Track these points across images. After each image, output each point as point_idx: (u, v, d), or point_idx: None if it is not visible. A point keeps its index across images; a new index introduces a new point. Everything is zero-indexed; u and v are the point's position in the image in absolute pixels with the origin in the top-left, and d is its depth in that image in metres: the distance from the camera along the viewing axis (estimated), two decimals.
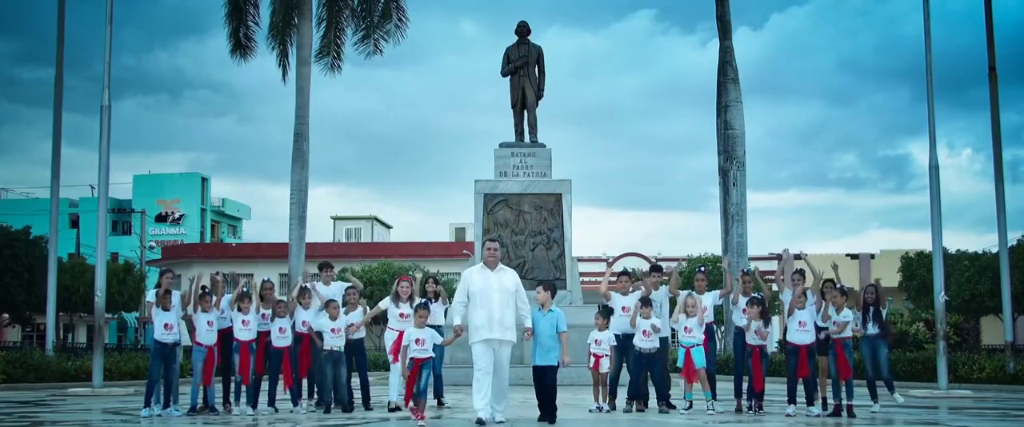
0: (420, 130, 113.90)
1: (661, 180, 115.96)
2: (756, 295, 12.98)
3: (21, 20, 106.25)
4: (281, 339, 12.87)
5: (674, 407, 13.11)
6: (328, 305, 12.91)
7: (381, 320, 13.67)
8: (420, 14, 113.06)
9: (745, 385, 13.06)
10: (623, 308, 13.09)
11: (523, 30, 24.24)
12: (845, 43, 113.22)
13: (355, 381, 13.39)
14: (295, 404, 13.11)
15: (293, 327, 13.01)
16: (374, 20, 31.35)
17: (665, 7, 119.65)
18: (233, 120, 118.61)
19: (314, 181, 34.18)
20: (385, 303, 13.23)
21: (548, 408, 11.16)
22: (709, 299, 13.21)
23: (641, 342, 12.85)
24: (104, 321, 21.21)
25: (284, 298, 13.48)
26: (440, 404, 13.81)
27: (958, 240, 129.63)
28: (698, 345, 12.75)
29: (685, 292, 13.28)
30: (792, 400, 12.56)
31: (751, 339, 12.64)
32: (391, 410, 12.89)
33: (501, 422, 11.02)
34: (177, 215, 73.22)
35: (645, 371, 13.04)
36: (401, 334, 11.95)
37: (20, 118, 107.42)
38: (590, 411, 12.80)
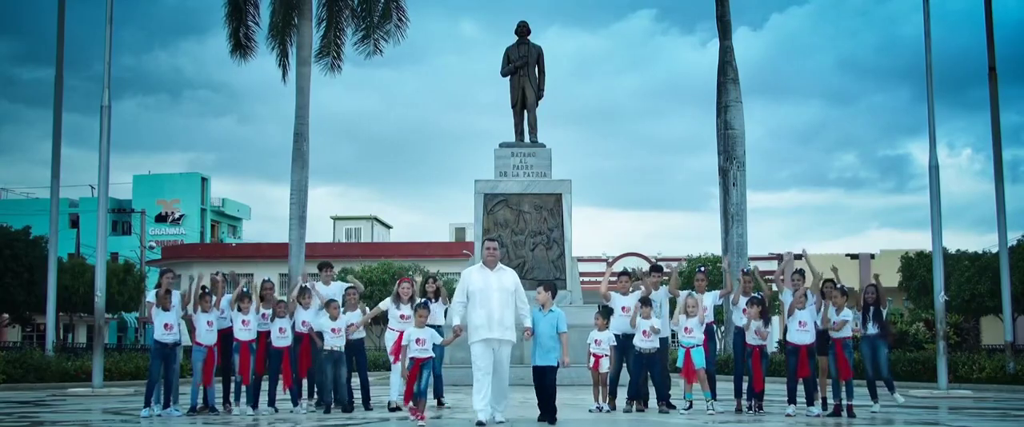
0: (420, 130, 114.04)
1: (661, 180, 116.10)
2: (756, 295, 12.97)
3: (21, 20, 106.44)
4: (281, 339, 12.87)
5: (674, 407, 13.11)
6: (328, 305, 12.90)
7: (381, 320, 13.67)
8: (420, 14, 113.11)
9: (745, 385, 13.05)
10: (623, 308, 13.09)
11: (523, 30, 24.24)
12: (845, 43, 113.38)
13: (355, 381, 13.38)
14: (295, 404, 13.11)
15: (293, 327, 13.01)
16: (374, 20, 31.33)
17: (665, 7, 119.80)
18: (233, 120, 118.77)
19: (314, 181, 34.22)
20: (386, 304, 13.23)
21: (548, 408, 11.16)
22: (709, 299, 13.20)
23: (641, 342, 12.85)
24: (104, 321, 21.20)
25: (284, 298, 13.48)
26: (440, 404, 13.80)
27: (958, 240, 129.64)
28: (698, 345, 12.74)
29: (685, 292, 13.28)
30: (792, 400, 12.56)
31: (751, 339, 12.64)
32: (391, 410, 12.89)
33: (501, 422, 11.01)
34: (177, 215, 73.21)
35: (645, 371, 13.04)
36: (401, 334, 11.93)
37: (20, 118, 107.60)
38: (590, 411, 12.80)
